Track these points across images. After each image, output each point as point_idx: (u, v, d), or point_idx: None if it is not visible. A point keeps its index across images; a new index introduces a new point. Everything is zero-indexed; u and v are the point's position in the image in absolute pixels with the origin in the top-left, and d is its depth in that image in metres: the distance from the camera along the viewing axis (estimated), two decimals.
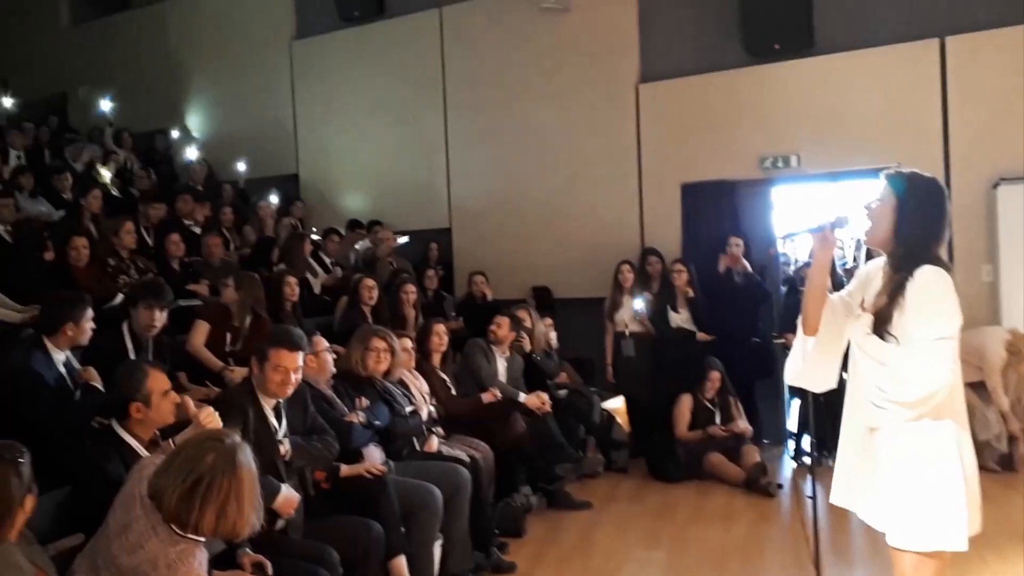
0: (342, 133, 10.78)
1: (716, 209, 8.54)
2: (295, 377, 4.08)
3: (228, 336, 5.95)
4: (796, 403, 8.14)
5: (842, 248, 9.97)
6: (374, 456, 4.98)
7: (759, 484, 6.73)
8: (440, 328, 6.51)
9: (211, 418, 3.49)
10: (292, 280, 6.84)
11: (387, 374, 5.54)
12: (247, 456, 2.77)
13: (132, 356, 5.01)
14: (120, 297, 6.28)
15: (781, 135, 8.33)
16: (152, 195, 8.84)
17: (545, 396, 6.68)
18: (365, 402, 5.20)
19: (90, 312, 4.66)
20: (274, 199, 9.94)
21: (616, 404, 7.81)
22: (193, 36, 12.11)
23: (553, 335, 7.99)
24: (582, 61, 9.13)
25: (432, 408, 5.85)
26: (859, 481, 3.01)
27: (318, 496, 4.39)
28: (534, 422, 6.48)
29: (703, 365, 7.42)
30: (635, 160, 8.93)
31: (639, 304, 7.96)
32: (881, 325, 2.86)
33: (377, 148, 10.53)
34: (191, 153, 11.53)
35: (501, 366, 6.89)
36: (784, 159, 8.32)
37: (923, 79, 7.79)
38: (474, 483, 5.23)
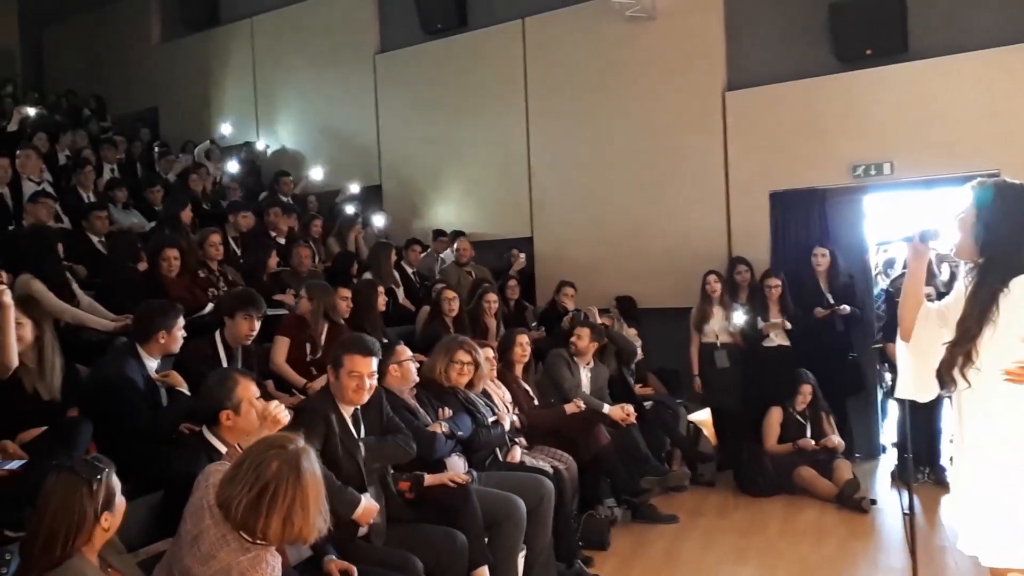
0: (424, 143, 10.85)
1: (806, 218, 8.33)
2: (369, 383, 4.09)
3: (308, 346, 6.00)
4: (892, 417, 7.88)
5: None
6: (457, 466, 4.97)
7: (852, 499, 6.51)
8: (523, 338, 6.48)
9: (279, 411, 3.47)
10: (381, 289, 6.90)
11: (470, 386, 5.52)
12: (311, 461, 2.76)
13: (224, 364, 5.09)
14: (210, 307, 6.38)
15: (873, 142, 8.08)
16: (241, 205, 8.99)
17: (630, 408, 6.57)
18: (448, 412, 5.19)
19: (181, 321, 4.73)
20: (350, 209, 10.03)
21: (702, 416, 7.67)
22: (280, 50, 12.34)
23: (639, 344, 7.89)
24: (667, 69, 9.02)
25: (515, 418, 5.80)
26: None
27: (402, 504, 4.38)
28: (618, 434, 6.39)
29: (795, 377, 7.23)
30: (722, 168, 8.78)
31: (739, 318, 7.79)
32: (967, 342, 2.73)
33: (459, 158, 10.57)
34: (280, 166, 11.74)
35: (584, 377, 6.82)
36: (877, 166, 8.07)
37: (1021, 83, 7.48)
38: (558, 494, 5.16)
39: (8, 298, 4.01)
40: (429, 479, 4.56)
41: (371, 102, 11.37)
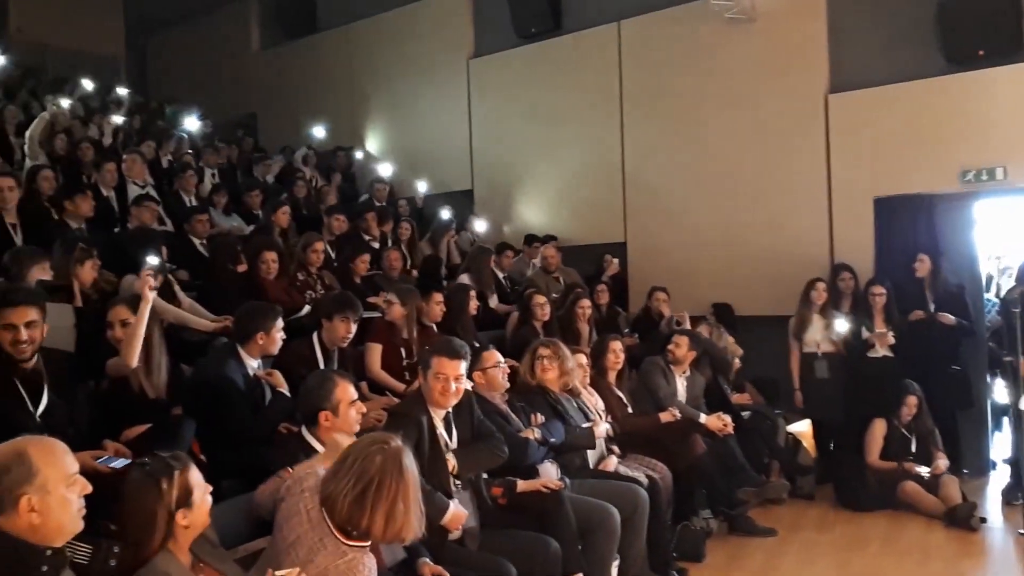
0: (516, 148, 10.86)
1: (912, 224, 8.02)
2: (456, 386, 4.08)
3: (402, 351, 6.02)
4: (1005, 432, 7.56)
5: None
6: (550, 472, 4.93)
7: (961, 517, 6.22)
8: (616, 345, 6.40)
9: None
10: (473, 293, 6.90)
11: (567, 388, 5.47)
12: (411, 459, 2.80)
13: (322, 366, 5.13)
14: (307, 309, 6.45)
15: (985, 146, 7.74)
16: (336, 209, 9.09)
17: (727, 417, 6.42)
18: (541, 418, 5.17)
19: (280, 323, 4.78)
20: (446, 214, 10.08)
21: (802, 427, 7.45)
22: (375, 56, 12.49)
23: (739, 353, 7.72)
24: (768, 71, 8.82)
25: (608, 426, 5.72)
26: None
27: (495, 509, 4.34)
28: (715, 444, 6.25)
29: (899, 389, 6.97)
30: (824, 173, 8.53)
31: (841, 326, 7.55)
32: None
33: (552, 163, 10.55)
34: (375, 171, 11.88)
35: (680, 385, 6.69)
36: (989, 172, 7.72)
37: None
38: (652, 504, 5.09)
39: (150, 292, 4.14)
40: (522, 485, 4.52)
41: (464, 107, 11.43)
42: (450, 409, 4.18)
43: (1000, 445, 8.00)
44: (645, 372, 6.64)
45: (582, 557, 4.36)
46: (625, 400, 6.33)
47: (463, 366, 4.12)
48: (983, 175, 7.75)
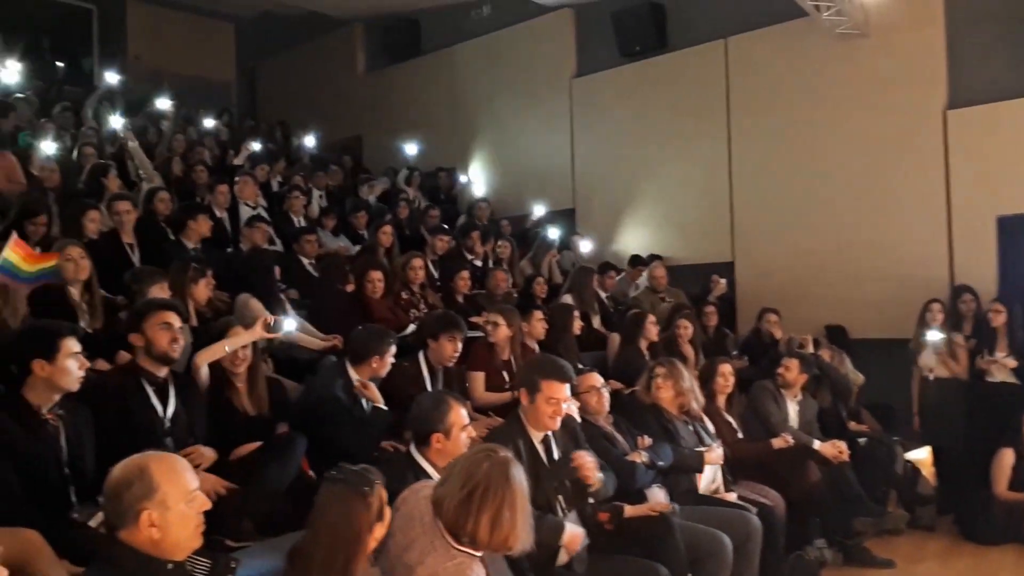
0: (620, 167, 10.82)
1: None
2: (565, 408, 4.05)
3: (504, 373, 5.97)
4: None
5: None
6: (658, 497, 4.80)
7: None
8: (725, 368, 6.24)
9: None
10: (577, 313, 6.83)
11: (684, 410, 5.37)
12: (520, 472, 2.82)
13: (429, 385, 5.16)
14: (411, 328, 6.48)
15: None
16: (440, 229, 9.16)
17: (842, 444, 6.16)
18: (648, 441, 5.07)
19: (394, 348, 4.85)
20: (553, 234, 10.03)
21: (921, 455, 7.13)
22: (478, 77, 12.62)
23: (861, 381, 7.48)
24: (882, 87, 8.58)
25: (722, 451, 5.57)
26: None
27: (601, 533, 4.25)
28: (829, 471, 6.02)
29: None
30: (943, 191, 8.25)
31: (934, 335, 7.25)
32: None
33: (656, 181, 10.47)
34: (476, 191, 11.95)
35: (792, 410, 6.47)
36: None
37: None
38: (765, 532, 4.91)
39: (258, 335, 4.44)
40: (629, 511, 4.40)
41: (566, 126, 11.45)
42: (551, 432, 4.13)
43: None
44: (755, 396, 6.46)
45: None
46: (735, 425, 6.17)
47: (569, 389, 4.08)
48: None
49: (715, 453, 5.33)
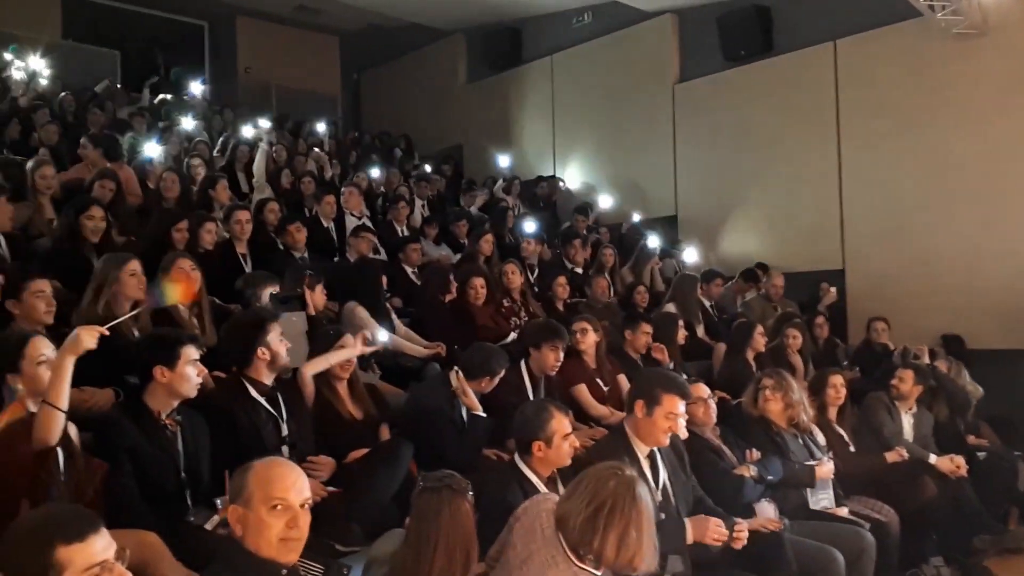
0: (723, 173, 10.69)
1: None
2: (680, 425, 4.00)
3: (599, 381, 5.91)
4: None
5: None
6: (767, 512, 4.67)
7: None
8: (836, 379, 6.06)
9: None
10: (681, 323, 6.74)
11: (793, 422, 5.25)
12: (646, 491, 2.82)
13: (531, 394, 5.16)
14: (512, 335, 6.49)
15: None
16: (535, 236, 9.14)
17: (960, 459, 5.93)
18: (756, 454, 4.97)
19: (504, 369, 4.85)
20: (650, 241, 9.93)
21: None
22: (579, 85, 12.61)
23: (979, 394, 7.19)
24: (1002, 88, 8.30)
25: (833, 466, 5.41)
26: None
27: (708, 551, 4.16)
28: (947, 487, 5.78)
29: None
30: None
31: None
32: None
33: (761, 187, 10.32)
34: (576, 199, 11.91)
35: (906, 423, 6.26)
36: None
37: None
38: (879, 548, 4.74)
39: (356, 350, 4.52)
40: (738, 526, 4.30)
41: (669, 132, 11.36)
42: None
43: None
44: (868, 408, 6.26)
45: None
46: (847, 438, 5.98)
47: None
48: None
49: (826, 467, 5.17)
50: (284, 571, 2.43)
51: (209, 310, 5.13)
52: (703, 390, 4.99)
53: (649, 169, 11.56)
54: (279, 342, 4.12)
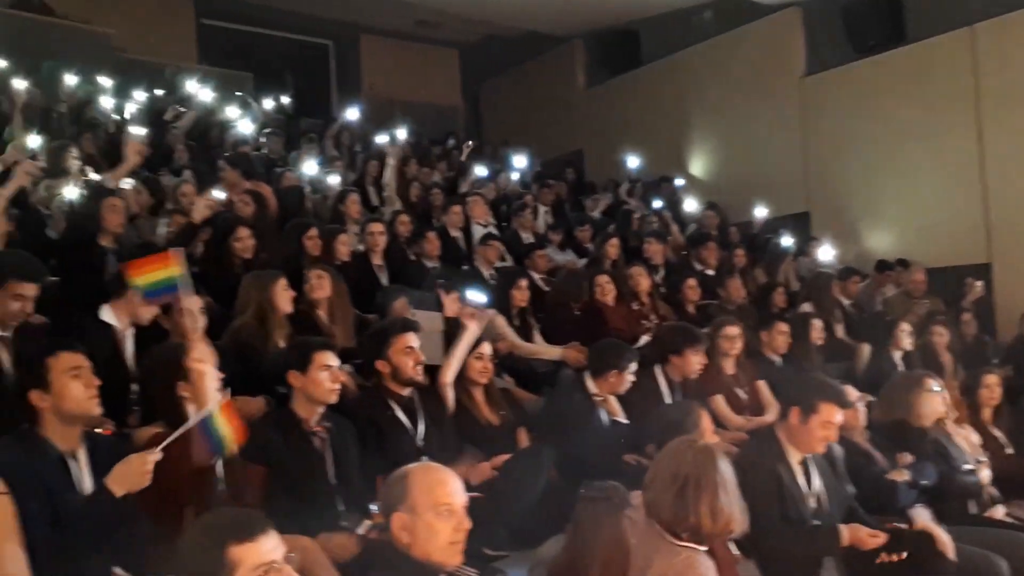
0: (856, 167, 10.40)
1: None
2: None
3: (738, 391, 5.78)
4: None
5: None
6: (923, 517, 4.48)
7: None
8: (990, 379, 5.78)
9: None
10: (817, 323, 6.58)
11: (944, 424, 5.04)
12: (724, 459, 2.85)
13: (668, 399, 5.10)
14: (644, 339, 6.42)
15: None
16: (657, 236, 9.04)
17: None
18: (908, 458, 4.75)
19: (634, 365, 4.83)
20: (783, 240, 9.69)
21: None
22: (701, 84, 12.45)
23: None
24: None
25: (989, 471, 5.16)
26: None
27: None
28: None
29: None
30: None
31: None
32: None
33: (897, 180, 9.99)
34: (701, 199, 11.75)
35: None
36: None
37: None
38: None
39: (471, 322, 4.48)
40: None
41: (797, 127, 11.15)
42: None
43: None
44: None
45: None
46: (1003, 440, 5.70)
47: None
48: None
49: (984, 471, 4.94)
50: (442, 575, 2.46)
51: (350, 319, 5.27)
52: (852, 393, 4.83)
53: (778, 165, 11.31)
54: (404, 354, 4.17)
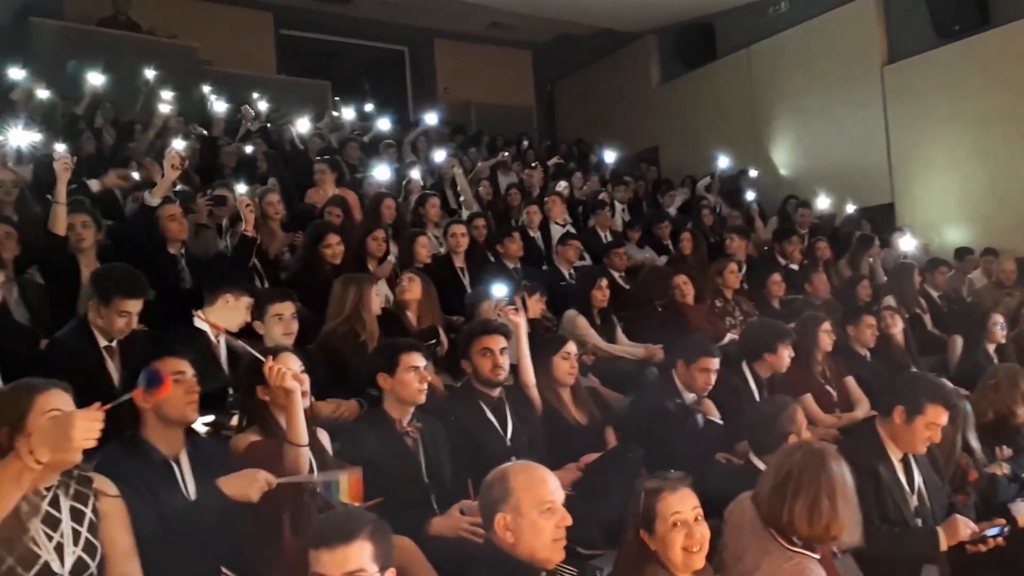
0: (942, 156, 10.22)
1: None
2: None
3: (829, 389, 5.66)
4: None
5: None
6: (1022, 511, 4.38)
7: None
8: None
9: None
10: (896, 318, 6.42)
11: None
12: (841, 465, 2.81)
13: (755, 394, 5.04)
14: (728, 337, 6.36)
15: None
16: (738, 232, 8.94)
17: None
18: (1007, 451, 4.65)
19: (716, 363, 4.73)
20: (866, 231, 9.49)
21: None
22: (776, 74, 12.33)
23: None
24: None
25: None
26: None
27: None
28: None
29: None
30: None
31: None
32: None
33: (985, 168, 9.78)
34: (779, 192, 11.57)
35: None
36: None
37: None
38: None
39: (516, 317, 4.52)
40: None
41: (879, 116, 10.95)
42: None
43: None
44: None
45: None
46: None
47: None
48: None
49: None
50: (543, 573, 2.49)
51: (438, 321, 5.36)
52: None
53: (861, 156, 11.13)
54: (481, 355, 4.19)
